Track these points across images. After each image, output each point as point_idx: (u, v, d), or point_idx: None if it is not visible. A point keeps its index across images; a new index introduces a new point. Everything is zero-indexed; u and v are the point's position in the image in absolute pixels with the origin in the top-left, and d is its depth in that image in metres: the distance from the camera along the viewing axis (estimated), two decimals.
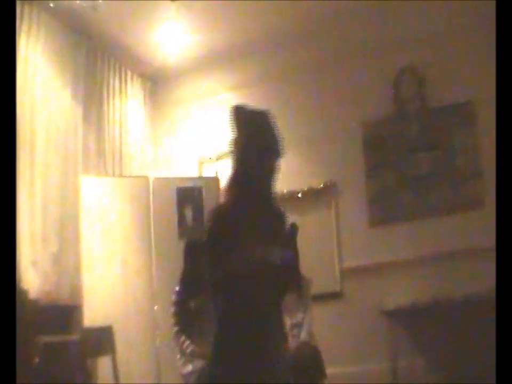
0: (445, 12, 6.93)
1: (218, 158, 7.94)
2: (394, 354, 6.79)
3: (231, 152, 3.31)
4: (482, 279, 6.49)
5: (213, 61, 7.68)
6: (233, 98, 8.03)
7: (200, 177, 7.62)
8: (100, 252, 6.50)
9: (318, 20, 6.91)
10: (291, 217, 6.80)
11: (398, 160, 7.40)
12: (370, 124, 7.56)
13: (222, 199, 3.55)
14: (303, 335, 5.53)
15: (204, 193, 6.98)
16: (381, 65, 7.51)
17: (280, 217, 3.46)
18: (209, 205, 6.89)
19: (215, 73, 8.00)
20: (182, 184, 6.93)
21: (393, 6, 6.85)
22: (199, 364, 5.02)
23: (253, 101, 7.65)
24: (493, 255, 6.65)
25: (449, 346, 6.67)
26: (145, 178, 6.99)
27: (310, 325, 5.65)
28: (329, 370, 5.47)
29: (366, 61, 7.57)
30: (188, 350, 5.22)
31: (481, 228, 6.82)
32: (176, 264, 5.57)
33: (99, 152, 7.14)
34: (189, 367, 5.15)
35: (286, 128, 7.55)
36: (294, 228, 5.91)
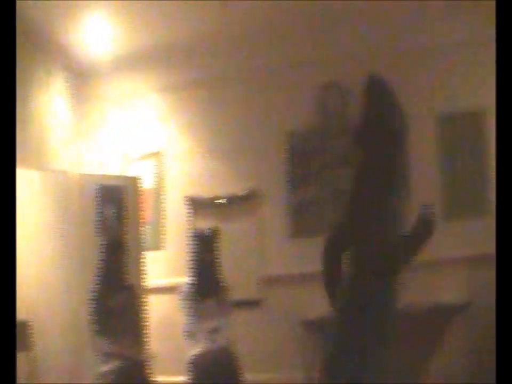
0: (375, 30, 7.05)
1: (142, 157, 7.92)
2: (312, 364, 6.85)
3: None
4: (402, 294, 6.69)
5: (142, 60, 7.57)
6: (161, 100, 8.05)
7: (123, 176, 7.54)
8: (16, 245, 6.33)
9: (248, 28, 6.89)
10: (214, 222, 6.92)
11: (321, 174, 7.53)
12: (295, 136, 7.67)
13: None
14: (222, 340, 5.53)
15: (125, 192, 6.91)
16: (310, 78, 7.62)
17: None
18: (129, 204, 6.87)
19: (144, 73, 7.89)
20: (104, 182, 6.84)
21: (324, 21, 6.92)
22: (116, 363, 4.97)
23: (181, 105, 7.84)
24: (414, 271, 6.89)
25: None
26: (68, 173, 6.87)
27: (229, 331, 5.66)
28: (247, 376, 5.49)
29: (295, 73, 7.66)
30: (105, 350, 5.17)
31: None
32: (95, 261, 5.54)
33: (23, 146, 6.98)
34: (106, 367, 5.10)
35: (212, 134, 7.76)
36: (214, 232, 5.95)
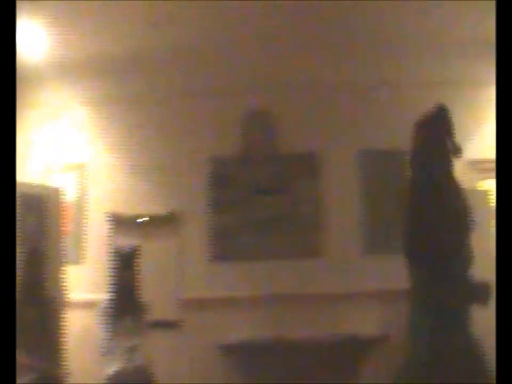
0: (301, 60, 7.19)
1: (66, 169, 7.79)
2: None
3: None
4: (318, 323, 6.84)
5: (71, 72, 7.44)
6: (87, 113, 7.95)
7: (45, 186, 7.39)
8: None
9: (178, 50, 6.89)
10: (135, 240, 6.86)
11: (242, 201, 7.62)
12: (218, 161, 7.72)
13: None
14: (139, 360, 5.49)
15: (46, 202, 6.78)
16: (235, 105, 7.73)
17: None
18: (50, 215, 6.74)
19: (72, 85, 7.74)
20: (26, 190, 6.69)
21: (253, 49, 7.02)
22: (31, 376, 4.87)
23: (107, 120, 7.77)
24: (328, 300, 7.03)
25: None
26: None
27: (146, 350, 5.62)
28: None
29: (222, 98, 7.73)
30: (21, 362, 5.04)
31: (318, 275, 7.20)
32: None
33: None
34: (22, 379, 4.98)
35: (137, 151, 7.70)
36: (134, 251, 5.91)
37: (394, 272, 7.18)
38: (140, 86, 7.67)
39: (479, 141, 7.66)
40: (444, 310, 4.50)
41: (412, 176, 4.90)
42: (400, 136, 7.50)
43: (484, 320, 4.76)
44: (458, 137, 7.53)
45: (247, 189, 7.63)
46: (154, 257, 7.28)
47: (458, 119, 7.58)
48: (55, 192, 7.02)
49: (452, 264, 4.49)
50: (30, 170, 7.71)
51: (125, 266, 5.83)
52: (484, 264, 6.51)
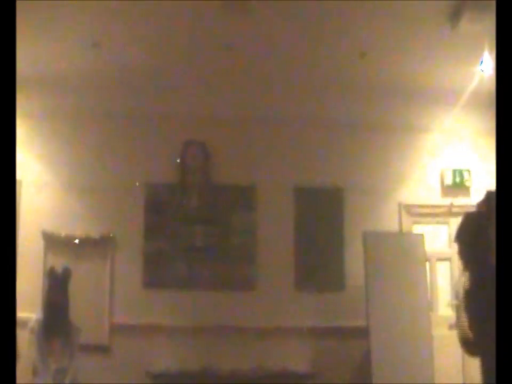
0: (243, 94, 7.33)
1: None
2: None
3: None
4: (246, 356, 6.85)
5: None
6: (23, 128, 7.76)
7: None
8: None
9: (120, 71, 6.90)
10: (67, 261, 6.77)
11: (175, 228, 7.60)
12: (153, 188, 7.69)
13: None
14: (67, 382, 5.40)
15: None
16: (172, 133, 7.75)
17: None
18: None
19: None
20: None
21: (194, 78, 7.10)
22: None
23: (43, 135, 7.65)
24: (258, 334, 7.05)
25: None
26: None
27: (75, 373, 5.54)
28: None
29: (158, 124, 7.76)
30: None
31: (249, 308, 7.24)
32: None
33: None
34: None
35: (73, 170, 7.58)
36: (66, 271, 5.83)
37: (325, 308, 7.37)
38: (79, 104, 7.61)
39: (412, 186, 7.88)
40: None
41: None
42: (337, 175, 7.78)
43: None
44: (395, 180, 7.82)
45: (181, 217, 7.61)
46: (86, 279, 7.21)
47: (396, 163, 7.88)
48: None
49: None
50: None
51: (57, 287, 5.75)
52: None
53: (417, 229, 7.85)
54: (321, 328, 7.32)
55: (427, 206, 7.83)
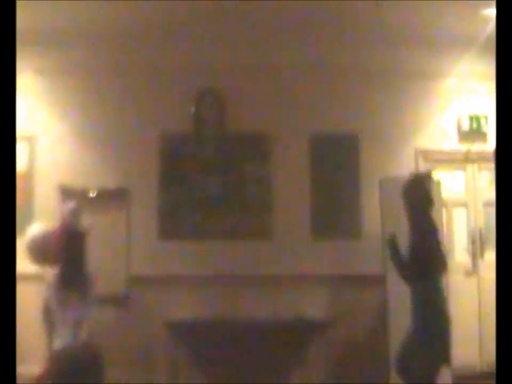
0: (256, 41, 7.18)
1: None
2: (174, 365, 6.92)
3: None
4: (263, 304, 6.92)
5: (21, 40, 7.30)
6: (37, 82, 7.80)
7: None
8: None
9: (132, 23, 6.81)
10: (83, 214, 6.80)
11: (191, 179, 7.60)
12: (168, 139, 7.69)
13: None
14: (84, 334, 5.48)
15: None
16: (185, 83, 7.70)
17: None
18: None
19: (22, 53, 7.59)
20: None
21: (205, 27, 6.96)
22: None
23: (57, 90, 7.63)
24: (274, 282, 7.10)
25: (230, 363, 6.95)
26: None
27: (92, 325, 5.61)
28: (109, 374, 5.42)
29: (172, 75, 7.71)
30: None
31: (265, 257, 7.26)
32: None
33: None
34: None
35: (87, 123, 7.59)
36: (84, 225, 5.88)
37: (341, 256, 7.39)
38: (93, 59, 7.55)
39: (429, 132, 7.80)
40: None
41: None
42: (352, 122, 7.72)
43: None
44: (411, 126, 7.75)
45: (196, 167, 7.61)
46: (102, 231, 7.22)
47: (412, 109, 7.80)
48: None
49: None
50: None
51: (73, 241, 5.78)
52: None
53: (433, 175, 7.77)
54: (337, 276, 7.35)
55: (444, 152, 7.76)
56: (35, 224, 6.36)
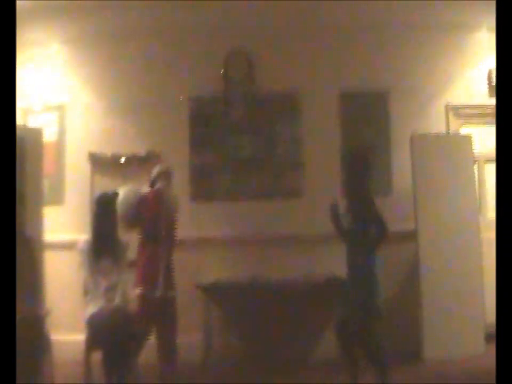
0: (279, 2, 7.12)
1: (45, 110, 7.74)
2: (208, 328, 7.01)
3: None
4: (295, 264, 6.95)
5: (47, 10, 7.31)
6: (65, 51, 7.84)
7: (24, 127, 7.34)
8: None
9: None
10: (113, 182, 6.87)
11: (221, 140, 7.61)
12: (197, 100, 7.68)
13: None
14: (118, 299, 5.54)
15: (26, 143, 6.72)
16: (214, 44, 7.65)
17: None
18: (30, 155, 6.71)
19: (48, 24, 7.60)
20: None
21: None
22: None
23: (84, 58, 7.67)
24: (306, 241, 7.07)
25: (263, 324, 7.04)
26: None
27: (125, 290, 5.67)
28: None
29: (200, 37, 7.65)
30: None
31: (297, 216, 7.29)
32: None
33: None
34: None
35: (115, 90, 7.61)
36: (114, 195, 5.94)
37: None
38: (120, 25, 7.54)
39: (460, 87, 7.69)
40: None
41: None
42: (383, 78, 7.63)
43: None
44: (442, 82, 7.63)
45: (226, 128, 7.61)
46: (133, 197, 7.29)
47: (442, 63, 7.67)
48: (35, 133, 6.96)
49: None
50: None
51: (105, 211, 5.83)
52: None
53: (465, 130, 7.69)
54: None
55: (475, 107, 7.61)
56: (125, 187, 6.40)
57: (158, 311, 5.88)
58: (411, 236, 6.99)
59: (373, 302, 5.40)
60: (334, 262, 6.81)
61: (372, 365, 5.41)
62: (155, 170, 6.40)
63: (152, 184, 6.37)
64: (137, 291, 5.86)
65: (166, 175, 6.37)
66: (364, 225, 5.56)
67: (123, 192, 6.18)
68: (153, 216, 6.05)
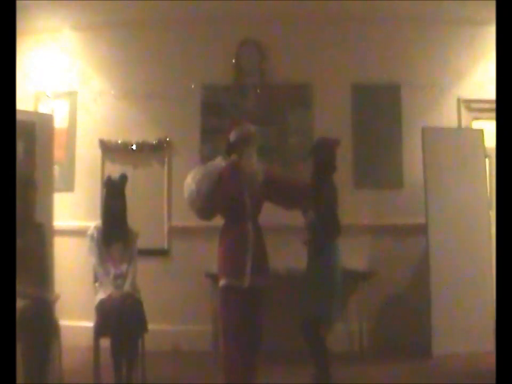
0: None
1: (56, 96, 7.73)
2: (216, 316, 6.98)
3: None
4: (304, 254, 6.91)
5: None
6: (78, 38, 7.83)
7: (35, 113, 7.35)
8: None
9: None
10: (123, 168, 6.86)
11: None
12: (210, 89, 7.67)
13: None
14: (127, 286, 5.54)
15: (37, 129, 6.72)
16: (228, 33, 7.64)
17: None
18: (41, 141, 6.71)
19: (60, 10, 7.55)
20: (17, 117, 6.64)
21: None
22: (20, 303, 4.89)
23: (96, 45, 7.65)
24: None
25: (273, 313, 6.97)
26: None
27: (134, 277, 5.67)
28: (151, 324, 5.53)
29: (213, 26, 7.64)
30: None
31: None
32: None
33: None
34: None
35: (127, 77, 7.60)
36: (123, 178, 5.93)
37: (383, 206, 7.34)
38: (132, 12, 7.51)
39: (472, 81, 7.65)
40: None
41: None
42: (395, 71, 7.60)
43: None
44: (454, 75, 7.60)
45: (237, 118, 7.57)
46: (143, 184, 7.38)
47: (454, 57, 7.64)
48: (46, 119, 6.96)
49: None
50: (21, 97, 7.60)
51: (114, 194, 5.82)
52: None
53: (476, 124, 7.67)
54: (379, 226, 7.33)
55: (487, 101, 7.52)
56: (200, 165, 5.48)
57: (245, 303, 4.95)
58: (421, 229, 6.97)
59: (332, 301, 5.58)
60: (343, 252, 6.83)
61: (315, 364, 5.47)
62: (233, 136, 5.28)
63: (229, 153, 5.27)
64: (222, 282, 5.05)
65: (247, 140, 5.25)
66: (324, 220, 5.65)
67: (200, 170, 5.20)
68: (236, 193, 5.02)
